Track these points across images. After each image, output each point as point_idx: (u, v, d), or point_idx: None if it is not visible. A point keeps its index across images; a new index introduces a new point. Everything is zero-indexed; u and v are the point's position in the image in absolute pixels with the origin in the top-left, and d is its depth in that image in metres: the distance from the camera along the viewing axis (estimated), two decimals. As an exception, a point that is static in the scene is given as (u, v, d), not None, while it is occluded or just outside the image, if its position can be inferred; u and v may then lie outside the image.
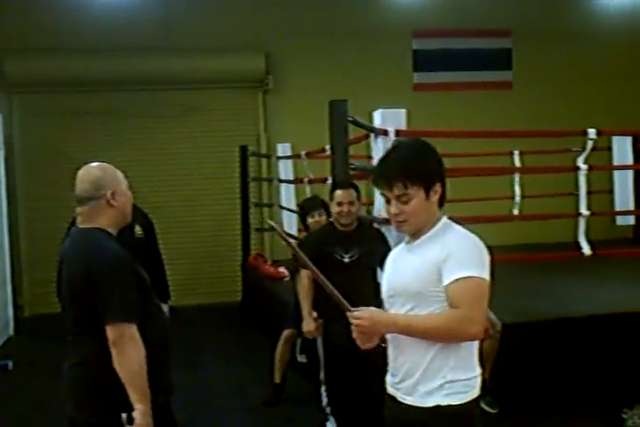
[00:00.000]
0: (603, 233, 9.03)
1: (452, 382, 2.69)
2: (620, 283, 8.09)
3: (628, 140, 10.07)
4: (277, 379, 6.51)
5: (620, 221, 10.52)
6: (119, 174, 3.39)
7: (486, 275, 2.65)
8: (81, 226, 3.34)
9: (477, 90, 12.11)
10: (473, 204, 9.31)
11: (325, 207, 6.38)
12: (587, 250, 6.48)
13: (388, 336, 2.81)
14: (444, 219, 2.82)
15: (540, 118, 11.24)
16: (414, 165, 2.76)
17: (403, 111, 5.97)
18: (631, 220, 10.71)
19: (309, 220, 6.28)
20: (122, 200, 3.34)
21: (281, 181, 10.62)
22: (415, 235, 2.83)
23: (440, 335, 2.63)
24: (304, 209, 6.45)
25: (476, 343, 2.77)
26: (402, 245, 2.95)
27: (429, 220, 2.79)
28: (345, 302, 2.74)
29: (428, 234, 2.79)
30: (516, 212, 10.32)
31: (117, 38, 10.75)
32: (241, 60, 11.28)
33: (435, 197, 2.78)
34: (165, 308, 5.49)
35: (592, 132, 6.56)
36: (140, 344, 3.11)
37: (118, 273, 3.15)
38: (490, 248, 2.77)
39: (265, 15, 11.30)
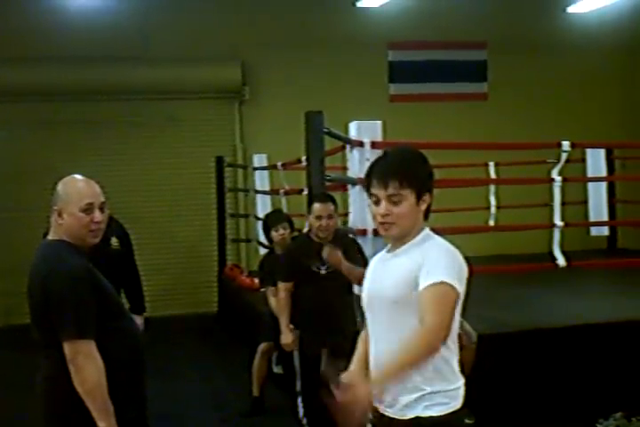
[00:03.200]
0: (577, 244, 9.10)
1: (431, 393, 2.65)
2: (595, 294, 8.14)
3: (602, 152, 10.17)
4: (256, 392, 6.49)
5: (594, 231, 10.61)
6: (79, 193, 3.23)
7: (458, 285, 2.61)
8: (48, 237, 3.30)
9: (453, 101, 12.18)
10: (448, 214, 9.32)
11: (289, 221, 6.39)
12: (561, 261, 6.52)
13: (371, 348, 2.80)
14: (427, 230, 2.81)
15: (515, 130, 11.30)
16: (412, 168, 2.76)
17: (378, 123, 6.00)
18: (605, 231, 10.81)
19: (273, 233, 6.28)
20: (68, 221, 3.21)
21: (257, 191, 10.64)
22: (397, 243, 2.80)
23: (422, 358, 2.55)
24: (268, 223, 6.45)
25: (454, 354, 2.74)
26: (382, 253, 2.91)
27: (414, 228, 2.77)
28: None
29: (409, 244, 2.76)
30: (491, 223, 10.38)
31: (93, 47, 10.70)
32: (217, 70, 11.28)
33: (422, 206, 2.76)
34: (141, 320, 5.49)
35: (566, 144, 6.63)
36: (97, 361, 3.06)
37: (72, 288, 3.08)
38: (467, 259, 2.76)
39: (241, 26, 11.31)
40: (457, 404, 2.70)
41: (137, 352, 3.33)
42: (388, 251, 2.85)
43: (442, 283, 2.56)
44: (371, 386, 2.53)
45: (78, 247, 3.25)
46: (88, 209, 3.22)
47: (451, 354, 2.72)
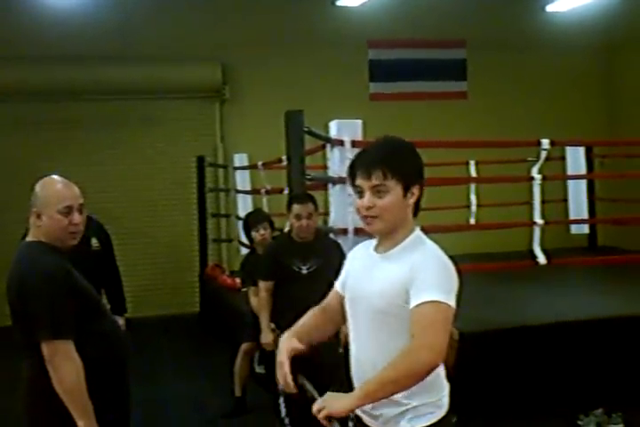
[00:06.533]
0: (557, 242, 9.13)
1: (416, 407, 2.55)
2: (575, 291, 8.17)
3: (581, 150, 10.22)
4: (238, 392, 6.48)
5: (574, 229, 10.66)
6: (57, 196, 3.22)
7: (453, 301, 2.47)
8: (27, 239, 3.30)
9: (433, 100, 12.20)
10: (429, 213, 9.29)
11: (270, 221, 6.40)
12: (541, 259, 6.56)
13: (352, 351, 2.72)
14: (417, 230, 2.65)
15: (495, 128, 11.33)
16: (399, 158, 2.59)
17: (359, 122, 6.01)
18: (585, 228, 10.86)
19: (254, 234, 6.28)
20: (47, 223, 3.20)
21: (238, 191, 10.62)
22: (385, 241, 2.64)
23: (403, 378, 2.40)
24: (248, 223, 6.44)
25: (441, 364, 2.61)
26: (369, 250, 2.73)
27: (402, 224, 2.60)
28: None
29: (399, 247, 2.60)
30: (472, 221, 10.41)
31: (73, 47, 10.64)
32: (198, 70, 11.25)
33: (411, 200, 2.59)
34: (122, 321, 5.47)
35: (545, 142, 6.67)
36: (75, 361, 3.06)
37: (48, 289, 3.07)
38: (452, 258, 2.63)
39: (222, 25, 11.28)
40: (442, 412, 2.61)
41: (118, 354, 3.32)
42: (376, 249, 2.69)
43: (435, 302, 2.43)
44: (354, 397, 2.45)
45: (57, 248, 3.23)
46: (67, 211, 3.21)
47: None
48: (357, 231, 5.67)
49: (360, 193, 2.59)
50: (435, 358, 2.41)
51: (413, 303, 2.45)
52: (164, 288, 11.34)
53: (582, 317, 6.61)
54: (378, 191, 2.54)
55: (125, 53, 10.91)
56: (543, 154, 6.69)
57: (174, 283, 11.39)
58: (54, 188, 3.26)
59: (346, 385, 2.82)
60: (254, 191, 10.07)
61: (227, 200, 11.49)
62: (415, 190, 2.60)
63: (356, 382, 2.69)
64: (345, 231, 5.76)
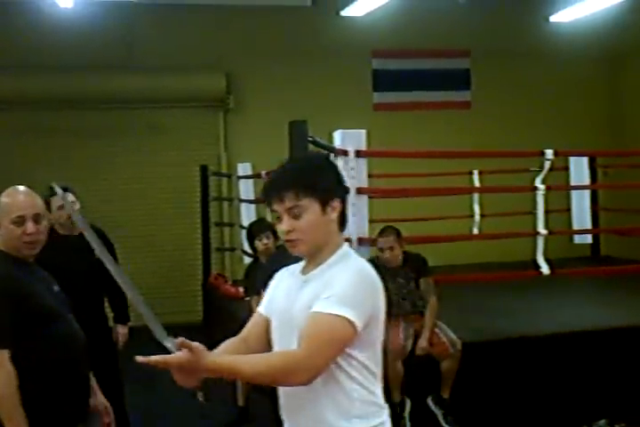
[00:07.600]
0: (561, 252, 9.13)
1: None
2: (579, 301, 8.17)
3: (585, 160, 10.22)
4: (241, 402, 6.46)
5: (577, 239, 10.66)
6: (11, 206, 3.28)
7: (358, 318, 2.34)
8: None
9: (436, 110, 12.20)
10: (432, 223, 9.36)
11: (273, 230, 6.39)
12: (545, 269, 6.55)
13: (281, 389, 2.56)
14: (345, 246, 2.56)
15: (498, 138, 11.34)
16: (309, 175, 2.50)
17: (363, 132, 6.01)
18: (589, 238, 10.86)
19: (257, 243, 6.27)
20: (3, 232, 3.28)
21: (241, 200, 10.62)
22: (312, 260, 2.56)
23: (268, 378, 2.37)
24: (251, 232, 6.44)
25: (378, 382, 2.50)
26: (297, 268, 2.66)
27: (327, 242, 2.52)
28: (162, 333, 2.46)
29: (324, 265, 2.51)
30: (475, 231, 10.42)
31: (77, 57, 10.66)
32: (202, 79, 11.27)
33: (333, 214, 2.50)
34: (125, 329, 5.47)
35: (549, 152, 6.67)
36: (8, 370, 3.07)
37: None
38: (381, 270, 2.54)
39: (226, 35, 11.31)
40: None
41: (72, 354, 3.34)
42: (302, 270, 2.61)
43: (339, 317, 2.32)
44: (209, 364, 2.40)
45: (15, 257, 3.29)
46: (19, 221, 3.26)
47: (373, 386, 2.48)
48: (360, 241, 5.67)
49: (279, 218, 2.52)
50: (307, 381, 2.32)
51: (316, 308, 2.36)
52: (167, 297, 11.30)
53: (586, 327, 6.61)
54: (294, 213, 2.47)
55: (129, 62, 10.92)
56: (547, 164, 6.69)
57: (177, 291, 11.38)
58: (11, 198, 3.33)
59: None
60: (258, 200, 10.05)
61: (230, 209, 11.49)
62: (335, 204, 2.52)
63: (287, 416, 2.57)
64: (348, 241, 5.75)
